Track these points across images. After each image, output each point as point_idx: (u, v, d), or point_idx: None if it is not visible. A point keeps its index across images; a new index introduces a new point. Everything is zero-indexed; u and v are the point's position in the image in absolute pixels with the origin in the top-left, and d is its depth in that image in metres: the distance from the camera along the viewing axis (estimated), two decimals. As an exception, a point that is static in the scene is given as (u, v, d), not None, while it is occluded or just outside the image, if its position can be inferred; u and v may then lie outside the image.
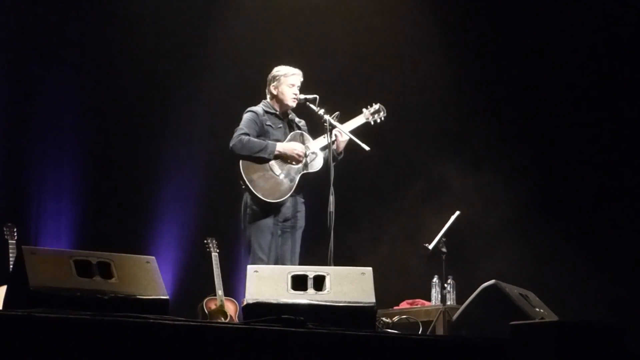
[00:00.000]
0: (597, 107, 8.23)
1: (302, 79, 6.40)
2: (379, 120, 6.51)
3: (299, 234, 6.34)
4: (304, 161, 6.28)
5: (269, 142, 6.24)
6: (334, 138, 6.24)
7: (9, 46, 8.15)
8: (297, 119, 6.51)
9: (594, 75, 8.27)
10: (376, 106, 6.54)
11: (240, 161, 6.18)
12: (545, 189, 8.28)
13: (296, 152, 6.25)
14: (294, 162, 6.25)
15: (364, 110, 6.50)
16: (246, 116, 6.36)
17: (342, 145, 6.24)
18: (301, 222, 6.35)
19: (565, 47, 8.35)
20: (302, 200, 6.36)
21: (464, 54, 8.63)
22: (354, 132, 6.33)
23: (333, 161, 6.19)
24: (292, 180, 6.25)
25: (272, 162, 6.22)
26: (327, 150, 6.21)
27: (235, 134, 6.23)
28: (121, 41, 8.52)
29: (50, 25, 8.31)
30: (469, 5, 8.65)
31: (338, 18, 8.83)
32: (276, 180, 6.22)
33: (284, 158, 6.25)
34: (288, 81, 6.37)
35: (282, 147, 6.25)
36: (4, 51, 8.14)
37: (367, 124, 6.48)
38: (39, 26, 8.27)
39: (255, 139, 6.23)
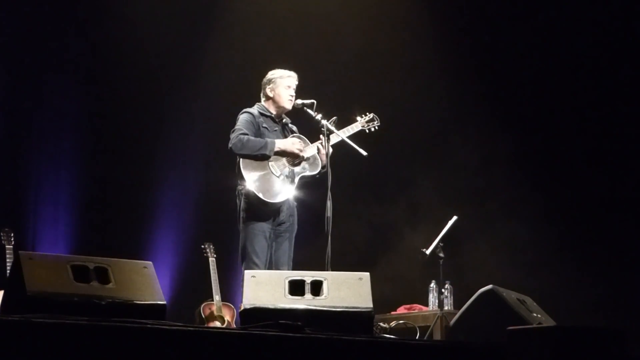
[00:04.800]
0: (598, 110, 8.22)
1: (297, 82, 6.41)
2: (372, 129, 6.53)
3: (293, 237, 6.35)
4: (302, 164, 6.28)
5: (268, 139, 6.24)
6: (317, 151, 6.26)
7: (7, 51, 8.15)
8: (290, 123, 6.52)
9: (588, 75, 8.27)
10: (370, 115, 6.56)
11: (240, 160, 6.18)
12: (544, 193, 8.28)
13: (296, 146, 6.25)
14: (295, 159, 6.24)
15: (359, 118, 6.52)
16: (243, 117, 6.35)
17: (324, 159, 6.20)
18: (295, 225, 6.36)
19: (562, 48, 8.36)
20: (295, 203, 6.36)
21: (460, 56, 8.65)
22: (350, 137, 6.34)
23: (317, 174, 6.23)
24: (292, 182, 6.26)
25: (272, 163, 6.22)
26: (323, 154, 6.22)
27: (234, 134, 6.21)
28: (119, 47, 8.52)
29: (49, 31, 8.31)
30: (467, 9, 8.65)
31: (336, 22, 8.83)
32: (276, 181, 6.22)
33: (284, 155, 6.25)
34: (284, 83, 6.38)
35: (282, 143, 6.25)
36: (2, 56, 8.13)
37: (361, 131, 6.49)
38: (38, 31, 8.27)
39: (255, 138, 6.23)
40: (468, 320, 5.17)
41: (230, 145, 6.19)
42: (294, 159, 6.27)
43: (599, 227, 8.05)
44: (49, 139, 8.34)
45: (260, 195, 6.13)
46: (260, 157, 6.19)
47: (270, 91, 6.40)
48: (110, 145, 8.54)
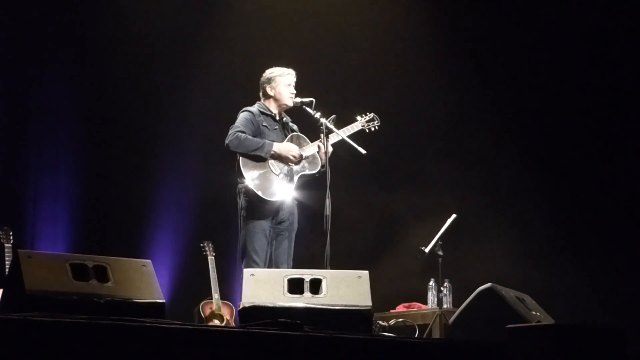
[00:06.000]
0: (603, 110, 8.21)
1: (295, 79, 6.41)
2: (373, 129, 6.53)
3: (293, 236, 6.34)
4: (301, 163, 6.29)
5: (266, 141, 6.24)
6: (317, 150, 6.25)
7: (5, 48, 8.14)
8: (290, 122, 6.52)
9: (595, 72, 8.26)
10: (370, 115, 6.56)
11: (240, 158, 6.18)
12: (542, 191, 8.28)
13: (291, 153, 6.25)
14: (289, 163, 6.25)
15: (359, 117, 6.52)
16: (242, 115, 6.35)
17: (324, 158, 6.20)
18: (296, 224, 6.36)
19: (571, 43, 8.35)
20: (296, 202, 6.36)
21: (459, 57, 8.64)
22: (349, 136, 6.34)
23: (317, 173, 6.23)
24: (291, 181, 6.25)
25: (272, 162, 6.23)
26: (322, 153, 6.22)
27: (231, 131, 6.21)
28: (117, 46, 8.52)
29: (47, 28, 8.30)
30: (473, 5, 8.64)
31: (334, 22, 8.83)
32: (275, 179, 6.22)
33: (280, 158, 6.25)
34: (284, 81, 6.38)
35: (278, 147, 6.25)
36: (0, 53, 8.13)
37: (361, 131, 6.49)
38: (36, 29, 8.26)
39: (252, 137, 6.23)
40: (467, 318, 5.17)
41: (226, 141, 6.19)
42: (290, 164, 6.26)
43: (599, 225, 8.05)
44: (47, 138, 8.33)
45: (260, 194, 6.13)
46: (256, 158, 6.19)
47: (271, 90, 6.40)
48: (109, 144, 8.52)
